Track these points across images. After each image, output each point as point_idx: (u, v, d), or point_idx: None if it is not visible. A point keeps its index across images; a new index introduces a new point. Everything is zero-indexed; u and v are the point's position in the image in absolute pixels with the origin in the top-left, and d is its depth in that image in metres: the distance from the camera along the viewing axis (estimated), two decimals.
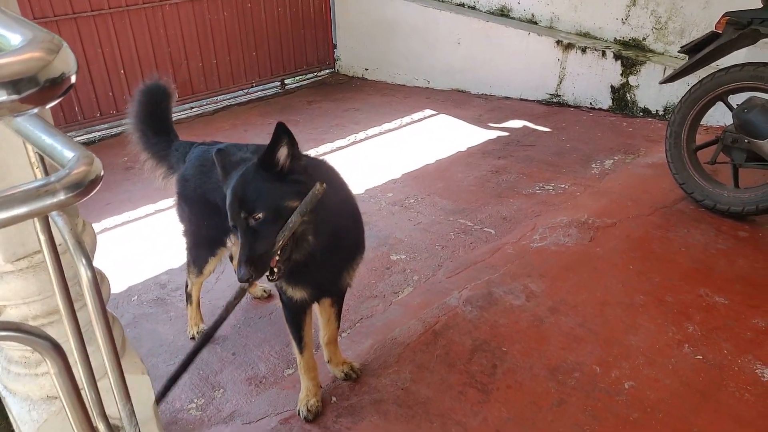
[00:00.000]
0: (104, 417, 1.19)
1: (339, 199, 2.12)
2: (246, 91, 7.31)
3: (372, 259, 3.45)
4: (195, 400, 2.47)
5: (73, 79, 0.61)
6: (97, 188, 0.77)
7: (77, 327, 1.09)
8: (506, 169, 4.54)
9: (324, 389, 2.43)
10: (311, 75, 7.92)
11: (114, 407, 1.45)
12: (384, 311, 2.95)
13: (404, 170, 4.76)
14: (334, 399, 2.38)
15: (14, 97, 0.54)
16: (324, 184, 1.85)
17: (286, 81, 7.65)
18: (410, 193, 4.33)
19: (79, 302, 1.31)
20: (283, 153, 1.82)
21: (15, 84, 0.54)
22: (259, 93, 7.42)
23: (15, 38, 0.60)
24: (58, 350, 0.81)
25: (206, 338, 2.20)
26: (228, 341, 2.84)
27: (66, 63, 0.60)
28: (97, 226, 4.39)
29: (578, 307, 2.82)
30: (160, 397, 2.13)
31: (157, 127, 2.74)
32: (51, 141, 0.78)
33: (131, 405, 1.05)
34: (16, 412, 1.33)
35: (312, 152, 5.50)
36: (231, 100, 7.25)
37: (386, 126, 6.02)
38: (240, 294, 2.12)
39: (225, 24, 6.78)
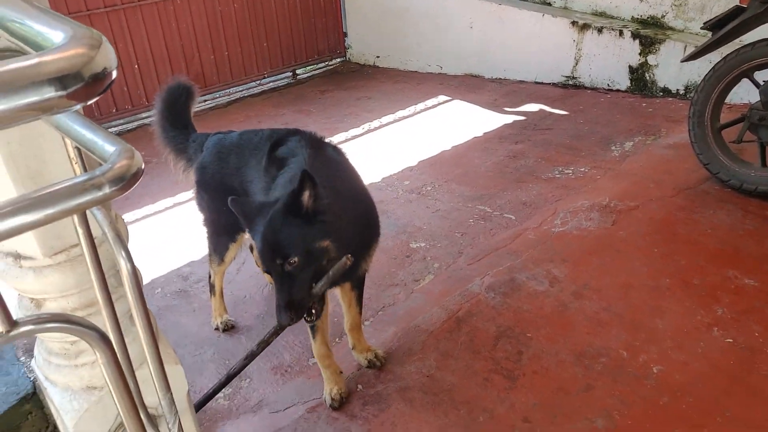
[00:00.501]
0: (143, 406, 1.19)
1: (351, 189, 2.19)
2: (258, 82, 7.30)
3: (391, 247, 3.45)
4: (222, 390, 2.49)
5: (114, 74, 0.61)
6: (138, 182, 0.77)
7: (116, 318, 1.09)
8: (524, 154, 4.50)
9: (350, 377, 2.44)
10: (323, 64, 7.88)
11: (151, 397, 1.47)
12: (406, 299, 2.95)
13: (420, 157, 4.74)
14: (360, 387, 2.39)
15: (61, 93, 0.54)
16: (351, 258, 1.92)
17: (298, 71, 7.63)
18: (427, 180, 4.31)
19: (115, 294, 1.31)
20: (306, 195, 1.83)
21: (61, 80, 0.54)
22: (271, 84, 7.41)
23: (56, 35, 0.59)
24: (105, 340, 0.81)
25: (237, 371, 2.30)
26: (252, 331, 2.86)
27: (107, 58, 0.60)
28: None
29: (602, 291, 2.80)
30: (198, 407, 2.19)
31: (176, 121, 2.79)
32: (92, 136, 0.78)
33: (171, 394, 1.06)
34: (57, 402, 1.34)
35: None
36: (244, 91, 7.25)
37: (400, 113, 5.99)
38: (275, 332, 2.22)
39: (235, 15, 6.76)
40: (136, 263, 1.50)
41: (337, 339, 2.70)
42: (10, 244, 1.18)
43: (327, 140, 2.38)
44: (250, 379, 2.52)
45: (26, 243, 1.17)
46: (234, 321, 2.93)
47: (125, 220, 4.57)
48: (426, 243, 3.45)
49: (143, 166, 0.75)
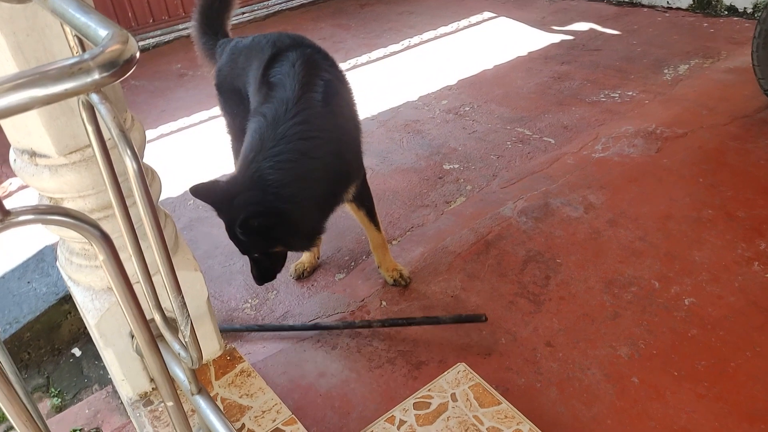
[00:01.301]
0: (159, 309, 1.21)
1: (327, 142, 2.06)
2: None
3: (424, 168, 3.38)
4: (249, 300, 2.55)
5: (137, 57, 0.73)
6: (133, 69, 0.74)
7: (129, 221, 1.08)
8: (569, 76, 4.27)
9: (374, 293, 2.46)
10: None
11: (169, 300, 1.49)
12: (435, 220, 2.91)
13: (460, 76, 4.56)
14: (384, 303, 2.41)
15: (104, 74, 0.67)
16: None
17: None
18: (466, 100, 4.16)
19: (131, 198, 1.31)
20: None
21: (107, 66, 0.68)
22: None
23: (103, 32, 0.73)
24: (105, 239, 0.80)
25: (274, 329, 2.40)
26: None
27: (133, 48, 0.73)
28: (152, 133, 4.46)
29: (639, 220, 2.70)
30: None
31: (209, 27, 2.75)
32: (85, 19, 0.73)
33: (182, 297, 1.06)
34: (80, 300, 1.38)
35: (364, 57, 5.34)
36: (282, 4, 7.03)
37: (442, 30, 5.73)
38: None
39: None
40: (151, 167, 1.49)
41: (364, 257, 2.70)
42: (27, 140, 1.17)
43: (328, 64, 2.21)
44: (277, 292, 2.57)
45: (41, 140, 1.16)
46: None
47: (162, 132, 4.58)
48: (460, 165, 3.37)
49: (137, 53, 0.71)
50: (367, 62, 5.28)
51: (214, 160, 3.79)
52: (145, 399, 1.52)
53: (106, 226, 1.28)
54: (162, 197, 3.51)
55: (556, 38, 5.01)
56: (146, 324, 1.05)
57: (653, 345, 2.10)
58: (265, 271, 2.14)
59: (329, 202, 2.10)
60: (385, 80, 4.77)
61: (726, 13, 4.84)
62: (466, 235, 2.75)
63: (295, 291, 2.57)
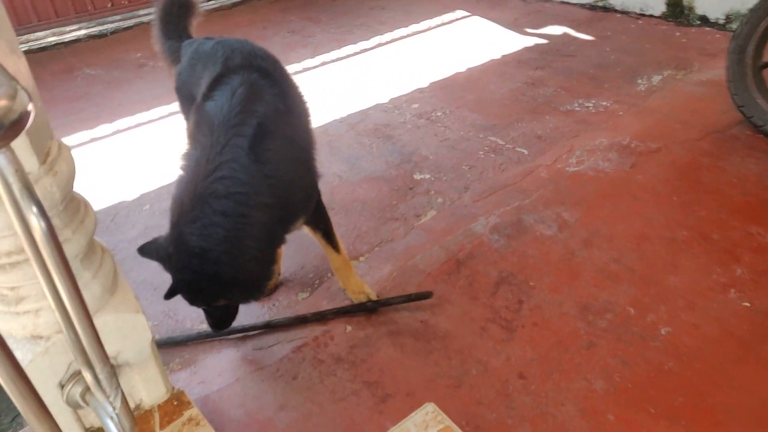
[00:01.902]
0: (89, 365, 1.05)
1: (266, 186, 1.88)
2: None
3: (394, 177, 3.25)
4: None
5: (31, 111, 0.62)
6: (26, 128, 0.59)
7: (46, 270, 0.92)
8: (543, 82, 4.19)
9: (339, 318, 2.32)
10: None
11: (109, 345, 1.33)
12: (405, 235, 2.79)
13: (432, 78, 4.44)
14: (349, 328, 2.27)
15: None
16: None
17: None
18: (437, 104, 4.04)
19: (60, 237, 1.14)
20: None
21: None
22: None
23: None
24: None
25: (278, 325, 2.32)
26: None
27: (22, 104, 0.62)
28: (108, 128, 4.22)
29: (614, 241, 2.63)
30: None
31: (172, 32, 2.63)
32: None
33: (109, 366, 0.90)
34: None
35: (334, 54, 5.17)
36: None
37: (414, 27, 5.60)
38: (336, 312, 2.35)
39: None
40: (83, 199, 1.32)
41: (329, 274, 2.56)
42: None
43: (273, 92, 2.01)
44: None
45: None
46: None
47: (118, 128, 4.35)
48: (431, 175, 3.25)
49: (29, 109, 0.56)
50: (337, 59, 5.12)
51: (173, 160, 3.58)
52: None
53: (22, 272, 1.12)
54: (116, 201, 3.31)
55: (530, 41, 4.93)
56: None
57: (629, 378, 2.02)
58: (218, 320, 2.05)
59: (268, 248, 1.96)
60: (355, 79, 4.61)
61: (698, 23, 4.83)
62: (437, 252, 2.63)
63: (254, 312, 2.41)
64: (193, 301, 1.91)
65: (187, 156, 1.89)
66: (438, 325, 2.27)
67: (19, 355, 1.19)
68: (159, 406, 1.50)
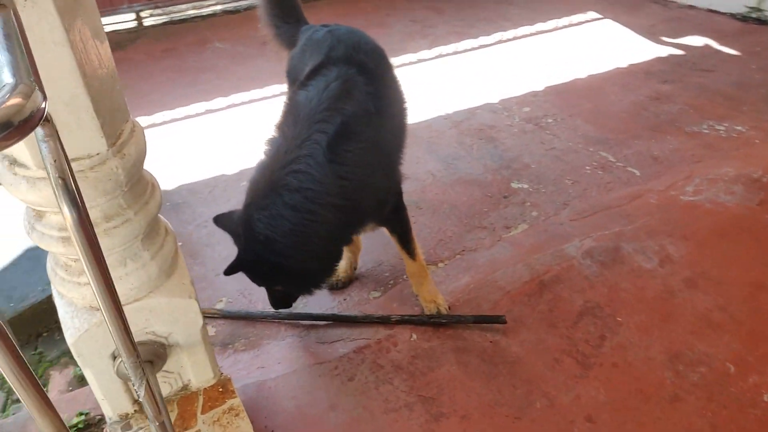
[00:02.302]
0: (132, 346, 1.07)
1: (356, 187, 1.89)
2: None
3: (490, 182, 3.12)
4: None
5: (44, 109, 0.61)
6: (33, 130, 0.58)
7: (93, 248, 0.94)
8: (670, 97, 3.84)
9: (406, 324, 2.26)
10: None
11: (161, 326, 1.36)
12: (490, 247, 2.66)
13: (548, 82, 4.21)
14: (414, 336, 2.21)
15: None
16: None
17: None
18: (550, 110, 3.83)
19: (118, 217, 1.17)
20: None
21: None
22: None
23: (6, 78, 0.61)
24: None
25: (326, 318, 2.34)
26: None
27: (35, 103, 0.61)
28: (224, 101, 4.41)
29: (723, 286, 2.35)
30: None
31: (289, 16, 2.62)
32: None
33: (135, 357, 0.90)
34: (61, 315, 1.28)
35: (451, 47, 5.06)
36: None
37: (539, 26, 5.34)
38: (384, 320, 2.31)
39: None
40: (152, 179, 1.35)
41: (405, 276, 2.50)
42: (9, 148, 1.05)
43: (368, 90, 1.95)
44: (306, 302, 2.42)
45: (20, 148, 1.03)
46: None
47: (231, 102, 4.51)
48: (529, 185, 3.08)
49: (44, 106, 0.56)
50: (453, 53, 5.00)
51: None
52: (125, 422, 1.42)
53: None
54: (217, 173, 3.45)
55: (663, 51, 4.53)
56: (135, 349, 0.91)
57: None
58: (278, 300, 2.08)
59: (332, 246, 1.96)
60: (468, 75, 4.48)
61: None
62: (520, 270, 2.49)
63: (325, 303, 2.41)
64: (253, 279, 1.98)
65: (271, 142, 1.91)
66: (509, 348, 2.15)
67: (77, 323, 1.25)
68: (204, 390, 1.53)
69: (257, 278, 1.98)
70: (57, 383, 2.36)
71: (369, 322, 2.27)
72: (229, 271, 1.86)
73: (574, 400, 1.96)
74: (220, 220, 1.97)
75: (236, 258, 1.88)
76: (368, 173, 1.91)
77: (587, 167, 3.19)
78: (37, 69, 0.61)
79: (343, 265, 2.46)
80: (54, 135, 0.75)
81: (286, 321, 2.31)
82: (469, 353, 2.13)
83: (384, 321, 2.26)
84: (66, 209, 0.75)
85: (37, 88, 0.59)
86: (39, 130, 0.73)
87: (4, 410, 2.06)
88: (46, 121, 0.72)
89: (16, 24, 0.60)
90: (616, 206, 2.85)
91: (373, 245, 2.68)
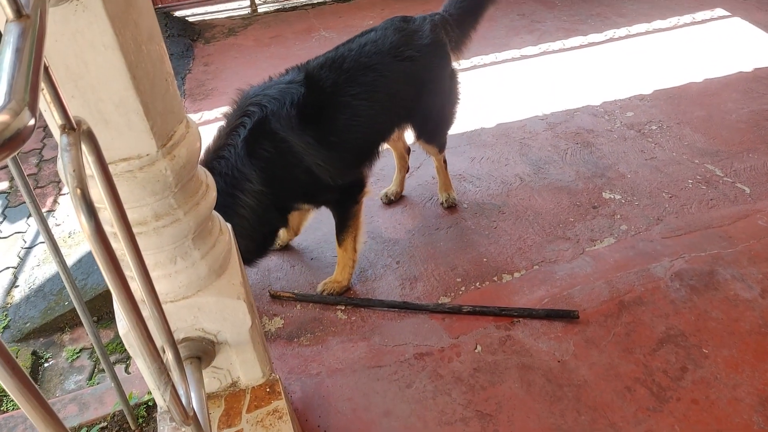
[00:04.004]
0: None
1: None
2: None
3: (580, 190, 2.97)
4: (344, 305, 2.45)
5: (32, 126, 0.57)
6: (19, 149, 0.60)
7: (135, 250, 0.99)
8: None
9: (472, 333, 2.22)
10: None
11: (210, 323, 1.42)
12: (571, 259, 2.54)
13: (658, 85, 3.92)
14: (479, 348, 2.16)
15: None
16: None
17: None
18: (656, 116, 3.57)
19: (164, 218, 1.22)
20: None
21: None
22: None
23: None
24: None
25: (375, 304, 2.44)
26: (397, 246, 2.73)
27: (22, 121, 0.57)
28: None
29: None
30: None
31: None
32: None
33: (159, 361, 0.94)
34: (115, 306, 1.36)
35: (558, 44, 4.86)
36: None
37: (657, 24, 4.98)
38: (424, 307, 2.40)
39: None
40: (201, 171, 1.41)
41: (477, 283, 2.45)
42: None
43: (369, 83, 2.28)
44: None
45: None
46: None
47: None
48: (622, 196, 2.90)
49: (31, 123, 0.57)
50: (560, 50, 4.79)
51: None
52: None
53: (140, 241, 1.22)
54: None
55: None
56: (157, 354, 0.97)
57: None
58: None
59: (260, 228, 2.14)
60: (572, 74, 4.28)
61: None
62: (600, 288, 2.36)
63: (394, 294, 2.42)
64: None
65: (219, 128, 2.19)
66: (577, 370, 2.05)
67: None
68: (252, 389, 1.58)
69: None
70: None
71: (440, 311, 2.32)
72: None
73: None
74: None
75: None
76: (286, 170, 2.09)
77: (689, 180, 2.95)
78: (39, 83, 0.62)
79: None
80: (77, 144, 0.78)
81: (358, 306, 2.39)
82: (535, 371, 2.05)
83: (455, 311, 2.30)
84: (83, 219, 0.77)
85: (27, 106, 0.60)
86: (64, 138, 0.76)
87: (90, 378, 2.26)
88: (72, 129, 0.74)
89: (34, 36, 0.62)
90: (717, 226, 2.61)
91: (449, 249, 2.65)
